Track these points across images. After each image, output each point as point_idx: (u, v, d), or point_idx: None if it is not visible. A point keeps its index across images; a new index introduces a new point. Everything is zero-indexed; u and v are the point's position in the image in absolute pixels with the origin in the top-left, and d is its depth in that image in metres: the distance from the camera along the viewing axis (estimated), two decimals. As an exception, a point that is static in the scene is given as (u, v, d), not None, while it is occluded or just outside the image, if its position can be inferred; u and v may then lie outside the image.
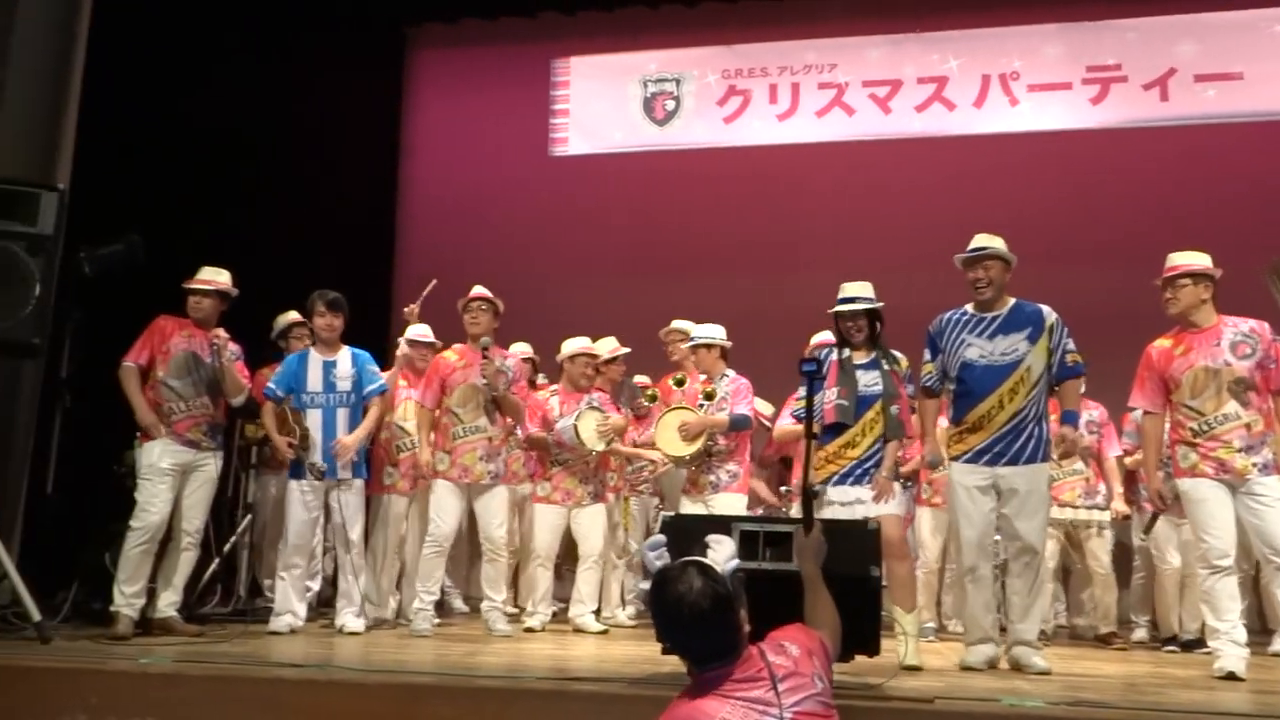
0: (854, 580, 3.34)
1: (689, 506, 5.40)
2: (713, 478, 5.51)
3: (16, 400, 5.41)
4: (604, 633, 5.49)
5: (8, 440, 5.36)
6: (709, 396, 5.54)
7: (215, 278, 5.11)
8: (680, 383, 5.78)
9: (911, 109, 8.50)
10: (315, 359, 5.25)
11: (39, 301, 4.43)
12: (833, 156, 8.51)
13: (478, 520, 5.37)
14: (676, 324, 6.28)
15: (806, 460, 3.39)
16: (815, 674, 2.42)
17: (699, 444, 5.42)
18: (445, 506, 5.25)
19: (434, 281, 5.89)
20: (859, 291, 4.54)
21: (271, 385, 5.21)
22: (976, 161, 8.24)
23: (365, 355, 5.37)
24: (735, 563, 2.50)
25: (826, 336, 5.89)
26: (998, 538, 4.47)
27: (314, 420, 5.13)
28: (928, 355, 4.41)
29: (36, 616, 4.21)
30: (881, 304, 4.53)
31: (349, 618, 5.02)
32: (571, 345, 5.87)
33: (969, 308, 4.37)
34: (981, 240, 4.33)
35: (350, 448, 5.10)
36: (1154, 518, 4.80)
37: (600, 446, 5.61)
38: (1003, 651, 4.17)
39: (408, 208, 9.27)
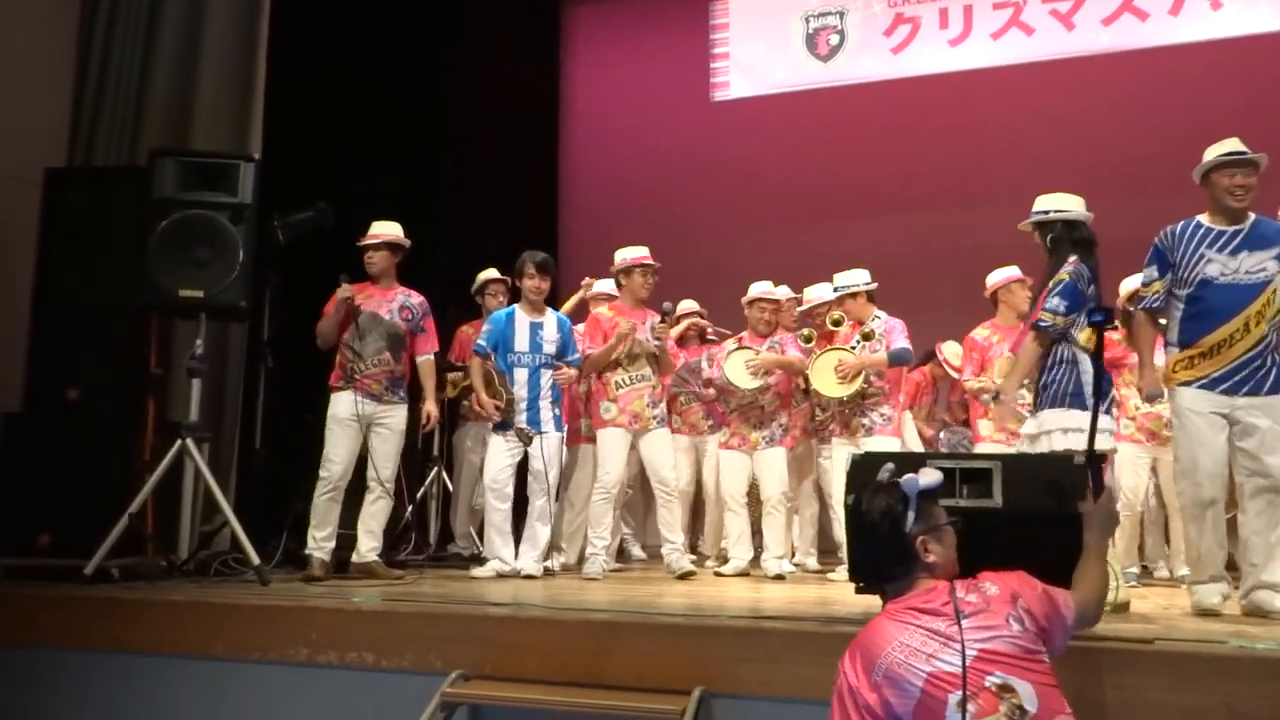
0: (1060, 517, 3.18)
1: (840, 450, 5.31)
2: (866, 420, 5.42)
3: (226, 361, 5.78)
4: (779, 578, 5.44)
5: (220, 399, 5.75)
6: (866, 337, 5.45)
7: (384, 230, 5.27)
8: (837, 323, 5.66)
9: (1097, 23, 7.90)
10: (522, 319, 5.34)
11: (243, 267, 4.67)
12: (1010, 82, 8.02)
13: (646, 464, 5.43)
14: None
15: (1093, 424, 3.24)
16: (1011, 615, 2.33)
17: (856, 384, 5.33)
18: (612, 453, 5.34)
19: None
20: (1039, 204, 4.22)
21: (481, 342, 5.33)
22: (1172, 77, 7.60)
23: (569, 322, 5.50)
24: (922, 482, 2.45)
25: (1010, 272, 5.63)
26: None
27: (520, 379, 5.25)
28: (1154, 273, 3.98)
29: (256, 561, 4.50)
30: (1059, 212, 4.13)
31: (529, 561, 5.14)
32: (753, 290, 5.84)
33: (1203, 220, 3.95)
34: (1239, 144, 3.90)
35: (571, 377, 5.33)
36: None
37: (751, 385, 5.55)
38: (1237, 596, 3.88)
39: (570, 164, 9.35)
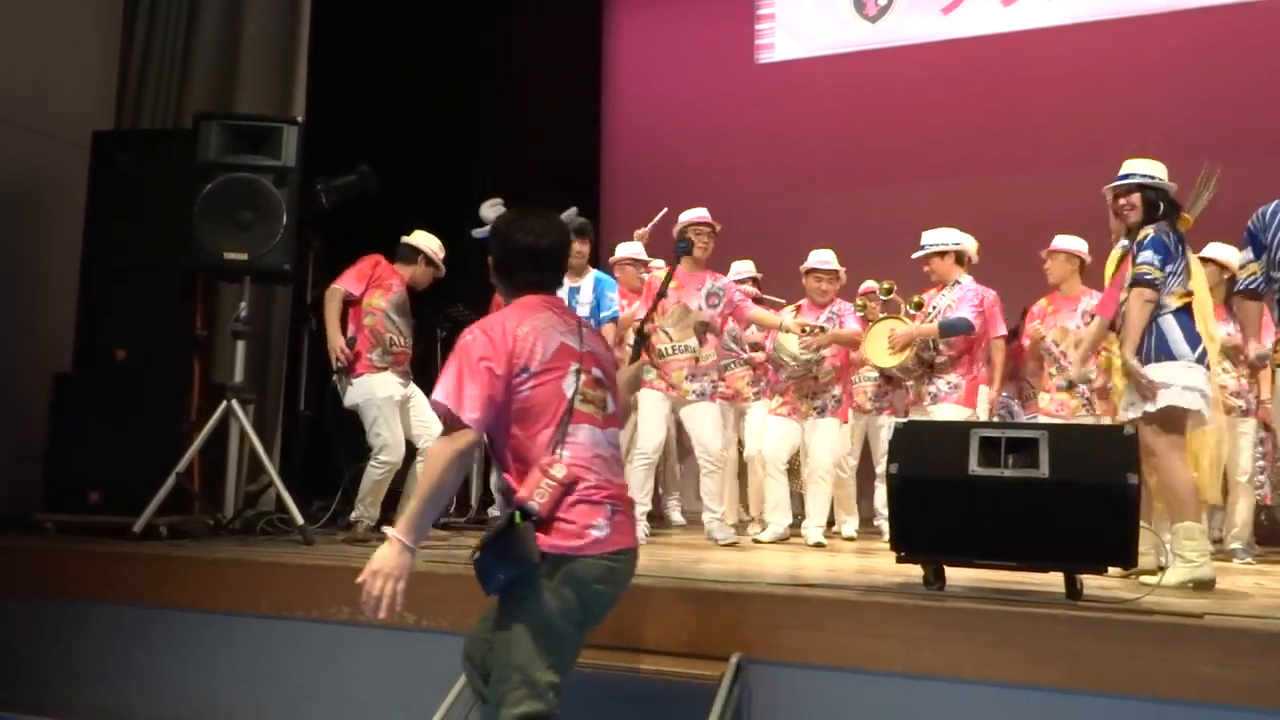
0: (1109, 488, 3.13)
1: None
2: (932, 388, 5.36)
3: (270, 323, 5.83)
4: (819, 545, 5.40)
5: (264, 361, 5.81)
6: (917, 306, 5.36)
7: (437, 250, 5.26)
8: (888, 292, 5.66)
9: (1162, -24, 7.57)
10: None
11: (286, 231, 4.69)
12: (1066, 42, 7.73)
13: (690, 434, 5.39)
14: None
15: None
16: (610, 358, 2.76)
17: (906, 354, 5.25)
18: (652, 417, 5.28)
19: (665, 210, 5.89)
20: (1126, 168, 4.10)
21: None
22: (1241, 34, 7.21)
23: (608, 281, 5.47)
24: (575, 213, 2.92)
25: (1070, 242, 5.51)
26: None
27: None
28: (1248, 255, 3.87)
29: (300, 520, 4.56)
30: (1146, 178, 4.02)
31: None
32: (810, 260, 5.77)
33: None
34: None
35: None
36: None
37: (803, 356, 5.47)
38: None
39: (612, 126, 9.25)
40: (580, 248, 5.32)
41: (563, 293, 5.16)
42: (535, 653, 2.40)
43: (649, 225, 6.06)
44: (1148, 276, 3.87)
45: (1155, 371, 3.82)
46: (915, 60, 8.16)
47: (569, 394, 2.51)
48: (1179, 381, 3.80)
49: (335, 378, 5.02)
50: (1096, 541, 3.19)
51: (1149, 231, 3.94)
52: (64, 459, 4.69)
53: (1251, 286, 3.90)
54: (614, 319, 5.38)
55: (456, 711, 3.19)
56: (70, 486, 4.63)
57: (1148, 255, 3.89)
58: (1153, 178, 4.05)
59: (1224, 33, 7.35)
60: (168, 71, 5.82)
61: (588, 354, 2.60)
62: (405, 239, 5.27)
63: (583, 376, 2.54)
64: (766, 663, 3.10)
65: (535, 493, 2.40)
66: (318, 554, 4.13)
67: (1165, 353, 3.84)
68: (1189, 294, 3.96)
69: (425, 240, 5.27)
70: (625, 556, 2.50)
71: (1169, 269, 3.90)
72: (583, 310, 5.28)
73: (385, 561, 2.39)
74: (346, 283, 5.02)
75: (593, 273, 5.42)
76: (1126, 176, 4.08)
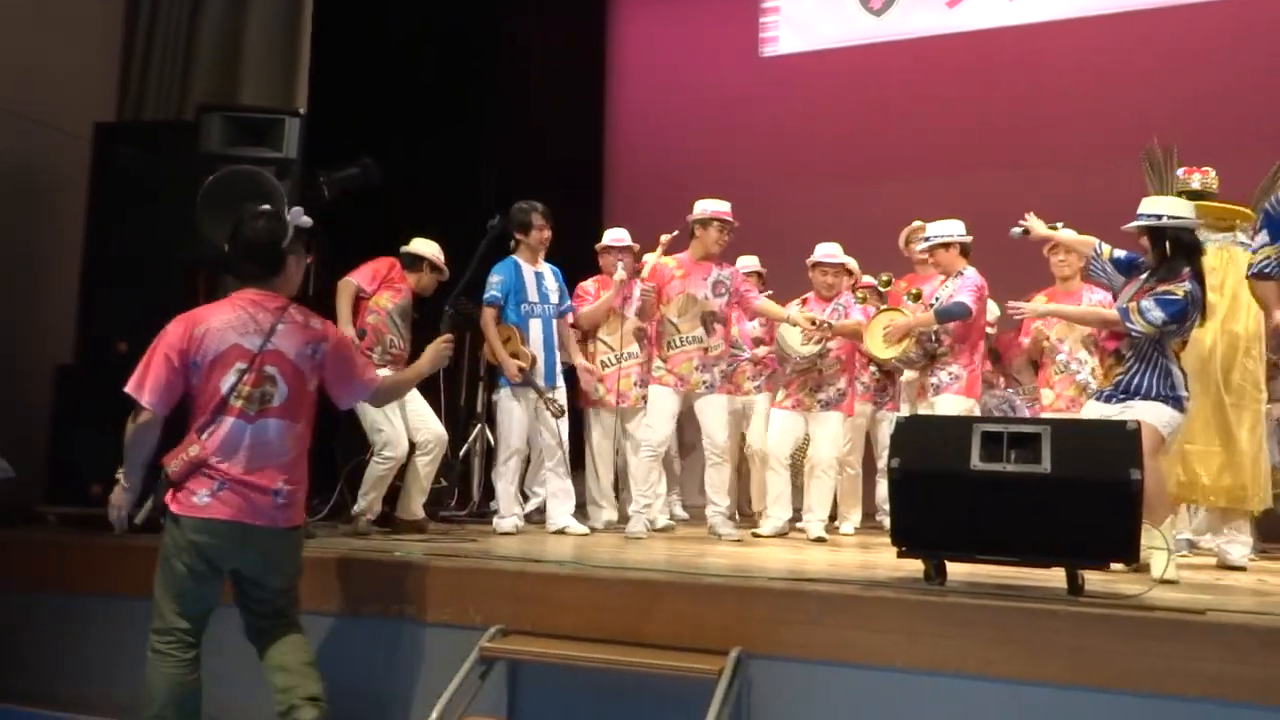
0: (1111, 484, 3.12)
1: (921, 411, 5.25)
2: (934, 379, 5.35)
3: (273, 317, 5.82)
4: (820, 540, 5.39)
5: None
6: (915, 298, 5.35)
7: (439, 255, 5.35)
8: (886, 284, 5.68)
9: (1175, -33, 7.50)
10: (528, 269, 5.36)
11: (288, 223, 4.70)
12: (1074, 35, 7.70)
13: (701, 425, 5.37)
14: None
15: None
16: (310, 346, 3.05)
17: (904, 345, 5.25)
18: (660, 411, 5.26)
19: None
20: (1143, 208, 4.08)
21: (496, 293, 5.29)
22: (1250, 24, 7.16)
23: (561, 272, 5.54)
24: (301, 221, 3.15)
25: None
26: None
27: (535, 329, 5.29)
28: (1265, 238, 3.86)
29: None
30: (1173, 218, 3.97)
31: (569, 519, 5.22)
32: (816, 253, 5.76)
33: None
34: None
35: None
36: None
37: (807, 351, 5.46)
38: None
39: (617, 119, 9.24)
40: (550, 235, 5.40)
41: (531, 278, 5.32)
42: (161, 580, 3.03)
43: (674, 235, 6.00)
44: (1135, 331, 3.92)
45: (1149, 409, 3.86)
46: (920, 54, 8.14)
47: (224, 390, 2.94)
48: (1164, 423, 3.88)
49: None
50: (1099, 537, 3.19)
51: (1178, 294, 3.87)
52: (65, 451, 4.68)
53: (1265, 270, 3.90)
54: (571, 311, 5.54)
55: (458, 700, 3.19)
56: (72, 479, 4.61)
57: (1156, 315, 3.87)
58: (1158, 217, 4.01)
59: (1234, 26, 7.32)
60: (170, 63, 5.80)
61: (268, 353, 2.98)
62: (405, 248, 5.32)
63: (247, 375, 2.95)
64: (767, 657, 3.10)
65: (174, 462, 2.95)
66: (319, 547, 4.13)
67: (1175, 402, 3.92)
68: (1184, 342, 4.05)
69: (425, 247, 5.34)
70: (224, 526, 2.95)
71: (1171, 329, 3.90)
72: (554, 297, 5.41)
73: (113, 497, 3.08)
74: (360, 278, 5.09)
75: (545, 262, 5.48)
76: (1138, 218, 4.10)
